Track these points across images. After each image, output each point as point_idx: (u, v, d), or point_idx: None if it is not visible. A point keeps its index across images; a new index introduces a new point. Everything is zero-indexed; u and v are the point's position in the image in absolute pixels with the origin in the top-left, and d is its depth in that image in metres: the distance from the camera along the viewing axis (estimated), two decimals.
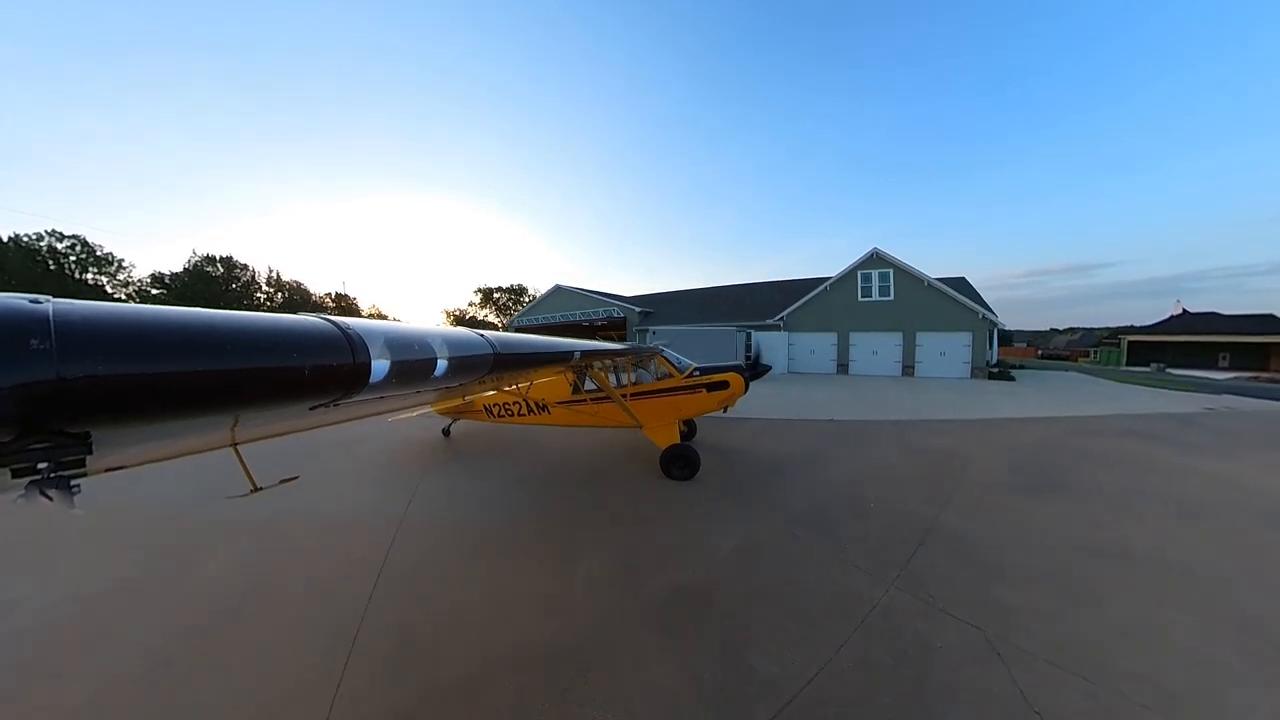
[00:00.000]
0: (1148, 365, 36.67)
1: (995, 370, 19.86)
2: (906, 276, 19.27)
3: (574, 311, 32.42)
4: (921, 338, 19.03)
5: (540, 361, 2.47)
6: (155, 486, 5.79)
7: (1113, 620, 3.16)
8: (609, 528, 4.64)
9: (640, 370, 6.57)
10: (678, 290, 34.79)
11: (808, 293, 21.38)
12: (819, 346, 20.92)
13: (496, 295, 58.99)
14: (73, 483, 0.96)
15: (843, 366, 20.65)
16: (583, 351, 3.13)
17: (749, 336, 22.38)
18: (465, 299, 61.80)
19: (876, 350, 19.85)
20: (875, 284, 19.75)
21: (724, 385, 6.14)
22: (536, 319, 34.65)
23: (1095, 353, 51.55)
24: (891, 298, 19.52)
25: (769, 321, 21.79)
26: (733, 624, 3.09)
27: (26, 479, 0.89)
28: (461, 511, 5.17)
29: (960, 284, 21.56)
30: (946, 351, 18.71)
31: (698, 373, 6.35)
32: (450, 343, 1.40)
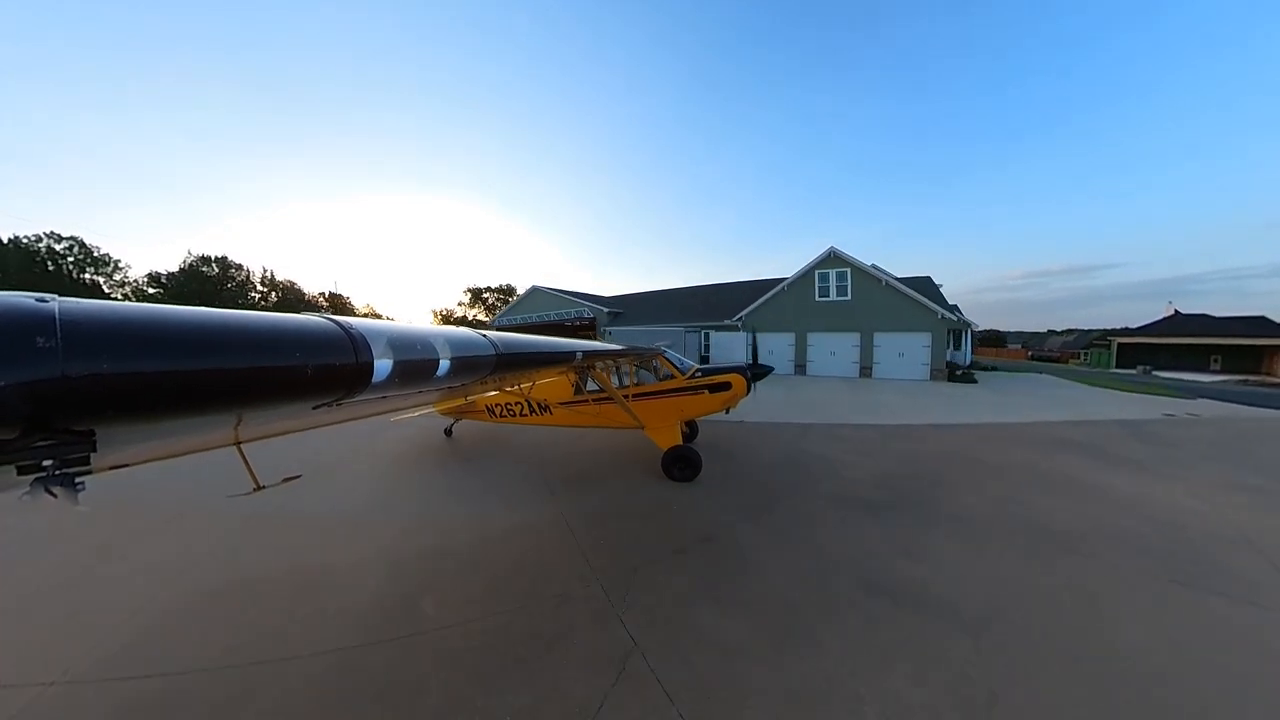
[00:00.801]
0: (1136, 367, 35.44)
1: (960, 372, 18.78)
2: (864, 276, 18.29)
3: (549, 312, 32.06)
4: (879, 338, 18.02)
5: (542, 362, 2.40)
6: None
7: (802, 675, 2.46)
8: (442, 498, 5.33)
9: (643, 371, 6.41)
10: (652, 291, 34.10)
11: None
12: (777, 347, 19.95)
13: (485, 295, 58.60)
14: (77, 480, 0.93)
15: (800, 367, 19.68)
16: (585, 352, 3.02)
17: (706, 337, 21.54)
18: (455, 299, 61.47)
19: (834, 351, 18.86)
20: (833, 284, 18.77)
21: (726, 386, 5.96)
22: (516, 319, 34.21)
23: (1086, 355, 50.03)
24: (849, 298, 18.55)
25: (727, 322, 20.92)
26: (442, 581, 3.49)
27: (31, 476, 0.87)
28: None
29: (924, 283, 20.52)
30: (905, 352, 17.68)
31: (700, 374, 6.18)
32: (453, 343, 1.36)
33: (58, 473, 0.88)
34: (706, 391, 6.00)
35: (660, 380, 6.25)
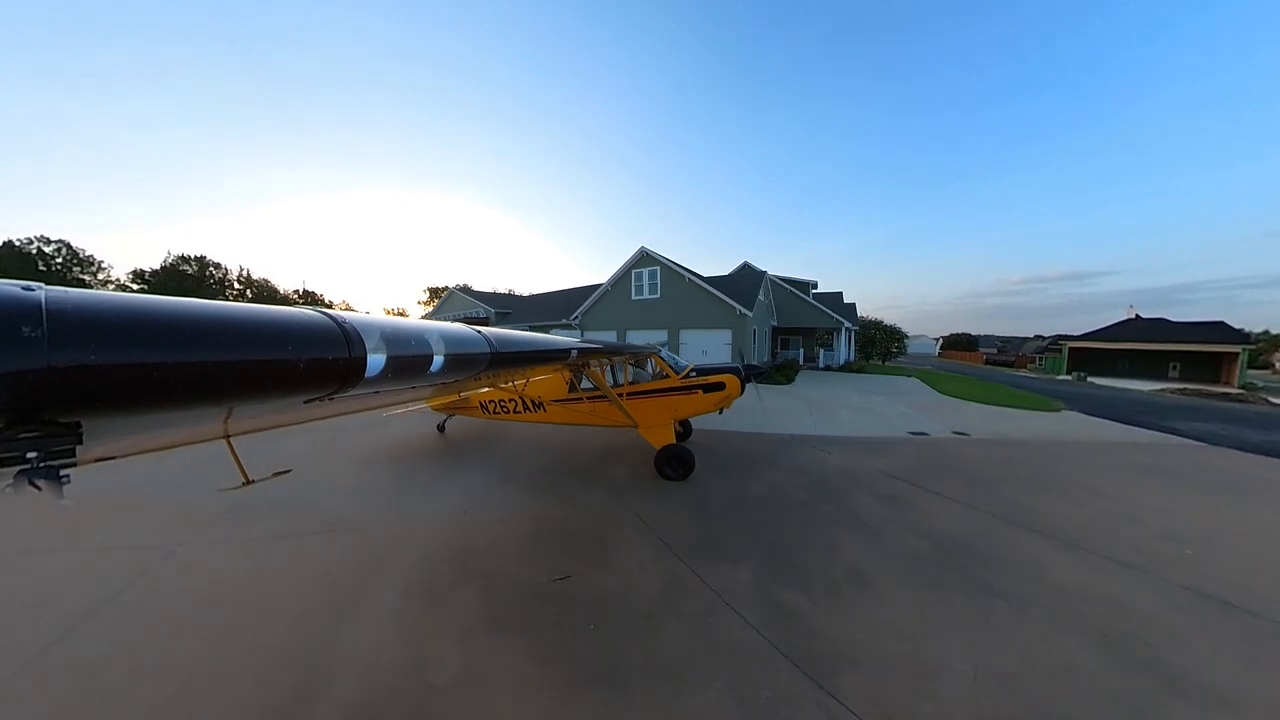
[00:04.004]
0: (1098, 374, 33.06)
1: (795, 371, 17.62)
2: (672, 274, 17.71)
3: (460, 312, 32.77)
4: (686, 335, 17.41)
5: (537, 360, 2.35)
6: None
7: None
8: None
9: (637, 370, 6.34)
10: (542, 293, 34.95)
11: None
12: None
13: (443, 293, 59.18)
14: (62, 473, 0.87)
15: None
16: (579, 350, 2.94)
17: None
18: (415, 296, 62.46)
19: None
20: (646, 282, 18.30)
21: (720, 387, 5.85)
22: (438, 319, 34.99)
23: (1041, 359, 47.25)
24: (659, 295, 18.02)
25: (564, 321, 20.63)
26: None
27: (15, 469, 0.82)
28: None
29: (744, 279, 19.72)
30: (709, 350, 16.97)
31: (695, 374, 6.08)
32: (447, 339, 1.32)
33: (42, 465, 0.83)
34: (700, 391, 5.88)
35: (655, 379, 6.14)
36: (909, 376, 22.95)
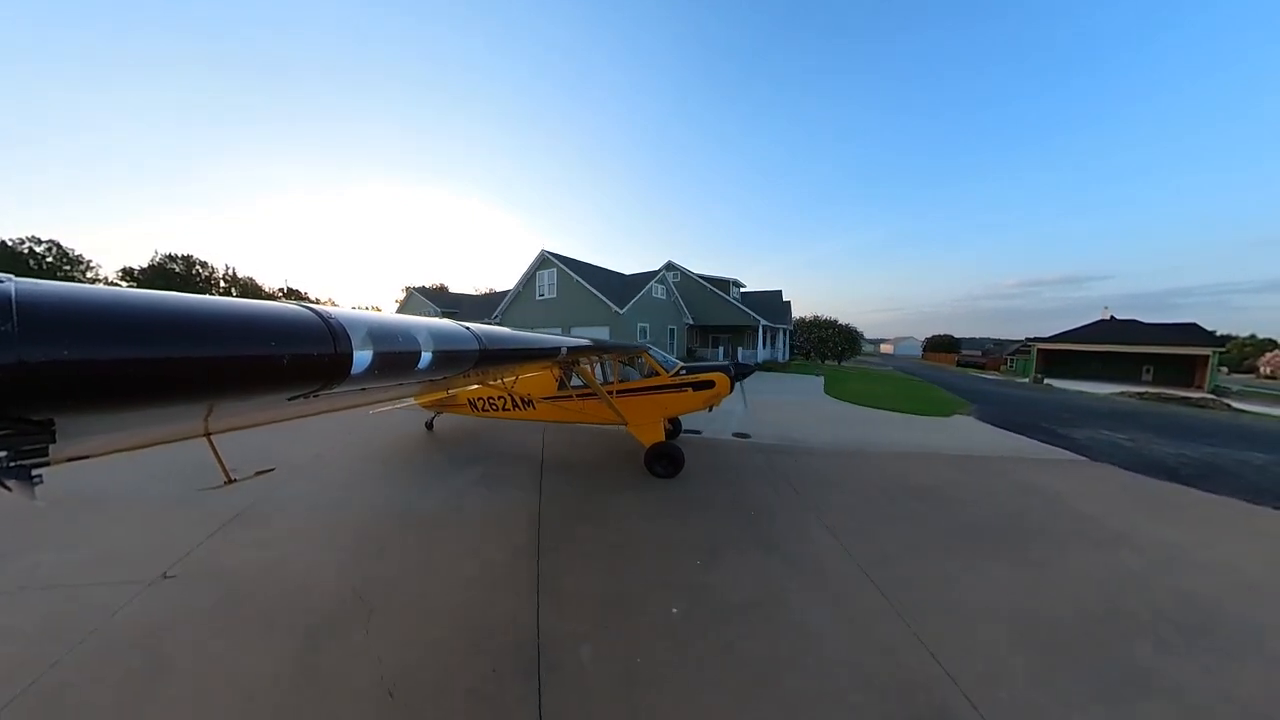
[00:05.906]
0: (1070, 376, 33.44)
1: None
2: (565, 275, 19.16)
3: (416, 310, 34.62)
4: (576, 332, 18.92)
5: (526, 357, 2.37)
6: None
7: None
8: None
9: (627, 368, 6.51)
10: (483, 293, 37.98)
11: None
12: None
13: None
14: (34, 472, 0.90)
15: None
16: (569, 348, 2.99)
17: None
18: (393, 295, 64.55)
19: None
20: (546, 283, 19.86)
21: (709, 384, 5.98)
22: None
23: (1012, 361, 47.56)
24: (555, 296, 19.54)
25: (486, 319, 22.37)
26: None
27: None
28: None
29: (635, 279, 21.12)
30: None
31: (684, 372, 6.23)
32: (435, 335, 1.34)
33: (13, 464, 0.83)
34: (690, 389, 5.98)
35: (645, 377, 6.26)
36: (817, 375, 23.43)
